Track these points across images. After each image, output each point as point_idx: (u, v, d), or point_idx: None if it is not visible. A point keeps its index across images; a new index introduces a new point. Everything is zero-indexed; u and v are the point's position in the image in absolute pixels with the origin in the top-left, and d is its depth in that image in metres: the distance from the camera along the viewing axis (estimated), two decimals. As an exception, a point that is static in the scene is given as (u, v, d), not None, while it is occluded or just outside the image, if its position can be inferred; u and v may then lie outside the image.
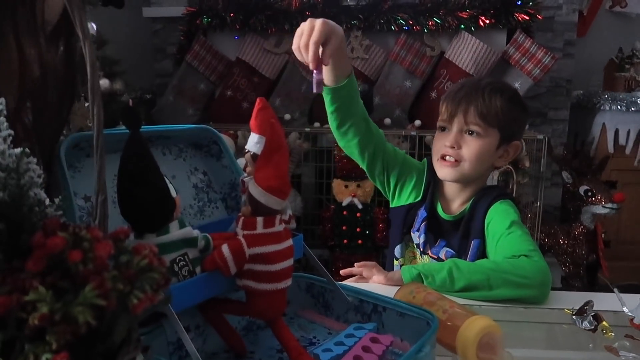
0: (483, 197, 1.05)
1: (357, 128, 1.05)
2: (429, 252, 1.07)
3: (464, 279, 0.87)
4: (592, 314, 0.73)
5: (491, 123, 1.00)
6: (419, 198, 1.10)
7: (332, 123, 1.07)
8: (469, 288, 0.86)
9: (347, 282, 0.96)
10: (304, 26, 0.89)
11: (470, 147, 1.00)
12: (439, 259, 1.05)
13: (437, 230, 1.07)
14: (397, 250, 1.12)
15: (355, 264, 1.00)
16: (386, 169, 1.13)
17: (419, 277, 0.89)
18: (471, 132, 1.01)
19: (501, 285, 0.85)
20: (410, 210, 1.11)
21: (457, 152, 1.00)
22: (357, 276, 0.99)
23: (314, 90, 0.89)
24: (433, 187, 1.10)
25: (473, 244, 1.04)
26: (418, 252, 1.10)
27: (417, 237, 1.09)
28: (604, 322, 0.72)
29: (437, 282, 0.88)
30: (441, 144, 1.03)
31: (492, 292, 0.85)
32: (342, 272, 1.00)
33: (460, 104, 1.00)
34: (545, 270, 0.87)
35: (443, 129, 1.04)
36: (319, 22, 0.87)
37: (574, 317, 0.75)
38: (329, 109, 1.05)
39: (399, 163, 1.12)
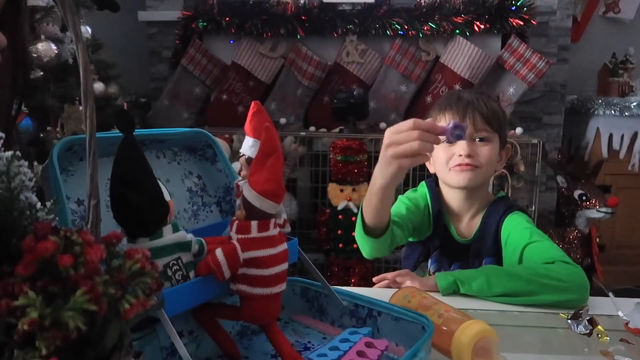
0: (491, 214, 1.04)
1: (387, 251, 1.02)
2: None
3: (501, 285, 0.85)
4: (588, 318, 0.73)
5: (495, 128, 1.01)
6: (431, 231, 1.09)
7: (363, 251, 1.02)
8: (508, 294, 0.85)
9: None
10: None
11: (483, 153, 1.00)
12: None
13: (451, 255, 1.06)
14: None
15: (388, 274, 0.97)
16: (404, 235, 1.08)
17: (455, 283, 0.88)
18: (481, 139, 1.00)
19: (542, 290, 0.84)
20: (426, 243, 1.10)
21: (472, 160, 0.99)
22: (388, 282, 0.96)
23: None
24: (439, 212, 1.08)
25: (485, 262, 1.04)
26: (427, 275, 1.09)
27: (430, 264, 1.08)
28: (599, 327, 0.72)
29: (474, 288, 0.87)
30: (449, 155, 1.00)
31: (534, 297, 0.84)
32: (375, 279, 0.98)
33: (466, 111, 0.99)
34: (581, 273, 0.87)
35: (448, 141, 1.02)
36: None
37: (569, 321, 0.75)
38: (363, 246, 0.98)
39: (409, 224, 1.06)
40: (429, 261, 1.09)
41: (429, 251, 1.10)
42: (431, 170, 1.11)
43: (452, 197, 1.07)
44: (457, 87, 2.18)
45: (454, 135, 0.74)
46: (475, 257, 1.05)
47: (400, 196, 1.12)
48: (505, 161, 1.09)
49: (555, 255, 0.91)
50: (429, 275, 1.08)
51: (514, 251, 0.96)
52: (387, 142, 0.78)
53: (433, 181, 1.12)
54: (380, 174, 0.82)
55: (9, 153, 0.34)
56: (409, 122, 0.75)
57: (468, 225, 1.08)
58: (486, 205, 1.07)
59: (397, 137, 0.76)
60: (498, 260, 1.03)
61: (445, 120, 1.01)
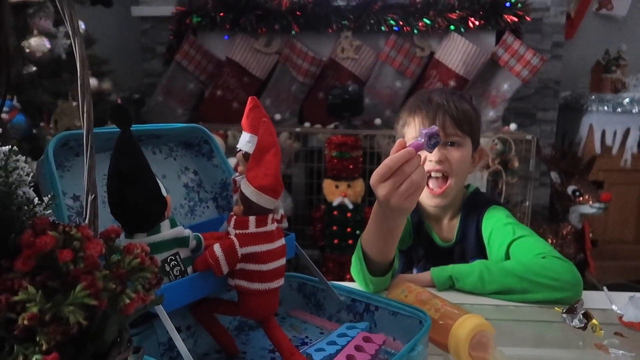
0: (469, 214, 1.03)
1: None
2: None
3: (495, 282, 0.85)
4: (582, 312, 0.74)
5: (466, 131, 0.98)
6: (412, 241, 1.07)
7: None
8: (502, 291, 0.85)
9: None
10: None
11: (455, 159, 0.97)
12: None
13: (436, 260, 1.02)
14: None
15: None
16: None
17: (450, 279, 0.87)
18: (452, 143, 0.98)
19: (536, 289, 0.83)
20: (408, 253, 1.08)
21: (443, 166, 0.96)
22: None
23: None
24: (419, 222, 1.06)
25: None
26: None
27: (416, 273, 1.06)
28: (594, 320, 0.73)
29: (467, 285, 0.86)
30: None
31: (528, 295, 0.84)
32: None
33: (437, 114, 0.96)
34: (574, 270, 0.86)
35: None
36: None
37: (564, 315, 0.76)
38: (363, 283, 0.87)
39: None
40: (414, 270, 1.07)
41: (411, 260, 1.08)
42: None
43: (429, 204, 1.04)
44: (452, 83, 2.19)
45: (431, 145, 0.70)
46: (460, 259, 1.03)
47: None
48: (478, 163, 1.06)
49: (545, 250, 0.89)
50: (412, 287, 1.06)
51: (498, 249, 0.95)
52: (382, 193, 0.71)
53: None
54: (385, 225, 0.76)
55: (7, 148, 0.34)
56: (387, 165, 0.70)
57: (448, 227, 1.06)
58: (461, 203, 1.05)
59: (389, 184, 0.70)
60: (483, 259, 1.01)
61: (415, 124, 0.98)
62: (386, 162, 0.70)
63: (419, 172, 0.70)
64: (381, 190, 0.72)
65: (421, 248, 1.07)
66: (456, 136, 0.97)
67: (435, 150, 0.93)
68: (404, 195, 0.70)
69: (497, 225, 0.97)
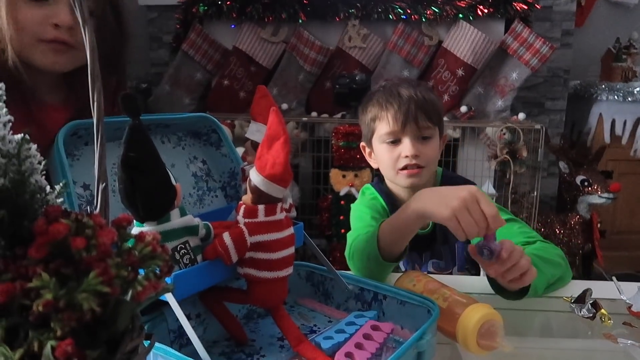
0: None
1: None
2: (419, 270, 1.06)
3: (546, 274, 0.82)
4: (591, 302, 0.74)
5: (435, 122, 0.99)
6: None
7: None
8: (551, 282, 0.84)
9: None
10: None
11: (428, 152, 0.98)
12: (428, 273, 1.04)
13: (419, 247, 1.04)
14: None
15: None
16: None
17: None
18: (425, 137, 0.98)
19: (564, 272, 0.84)
20: None
21: (418, 160, 0.97)
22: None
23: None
24: (394, 210, 1.03)
25: (457, 247, 1.03)
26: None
27: (402, 265, 1.07)
28: (603, 310, 0.73)
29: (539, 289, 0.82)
30: (395, 156, 0.98)
31: (558, 283, 0.84)
32: None
33: (408, 111, 0.96)
34: (562, 252, 0.88)
35: (393, 141, 0.98)
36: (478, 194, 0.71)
37: (572, 305, 0.76)
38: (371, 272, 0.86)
39: None
40: (401, 262, 1.06)
41: None
42: (374, 166, 1.08)
43: (402, 192, 1.04)
44: (460, 72, 2.17)
45: (486, 256, 0.70)
46: (444, 243, 1.04)
47: (355, 206, 1.09)
48: (443, 146, 1.06)
49: (532, 234, 0.90)
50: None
51: None
52: (463, 195, 0.69)
53: (379, 181, 1.09)
54: (430, 206, 0.73)
55: (19, 136, 0.34)
56: (493, 209, 0.68)
57: None
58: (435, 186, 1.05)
59: (475, 208, 0.68)
60: (467, 242, 1.02)
61: (387, 119, 0.97)
62: (494, 209, 0.69)
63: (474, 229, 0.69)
64: (468, 196, 0.70)
65: None
66: (428, 129, 0.98)
67: (410, 146, 0.96)
68: (460, 213, 0.69)
69: None
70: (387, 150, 0.99)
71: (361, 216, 1.04)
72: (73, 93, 0.99)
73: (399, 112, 0.96)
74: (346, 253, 0.95)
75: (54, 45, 0.90)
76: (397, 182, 1.02)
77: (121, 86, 1.07)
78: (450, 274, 1.06)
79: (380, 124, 0.99)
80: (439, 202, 0.72)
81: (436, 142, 1.01)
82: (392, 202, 1.06)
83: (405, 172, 0.98)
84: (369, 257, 0.84)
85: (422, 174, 0.99)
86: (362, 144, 1.10)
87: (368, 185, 1.12)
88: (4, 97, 0.35)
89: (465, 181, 1.08)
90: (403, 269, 1.07)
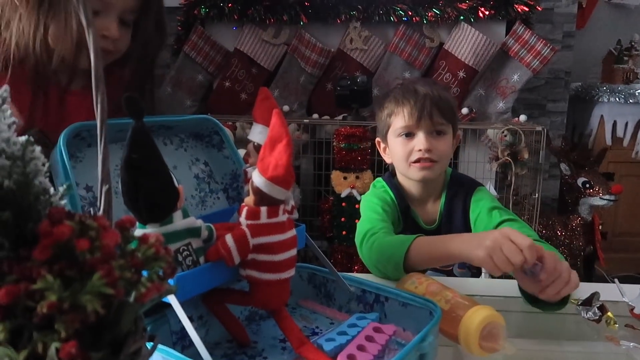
0: (454, 196, 1.06)
1: None
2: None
3: None
4: (598, 305, 0.74)
5: (450, 119, 1.02)
6: (402, 227, 1.09)
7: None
8: None
9: None
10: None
11: (441, 147, 1.01)
12: (431, 268, 1.05)
13: None
14: None
15: None
16: None
17: None
18: (438, 132, 1.01)
19: None
20: None
21: (431, 154, 1.00)
22: None
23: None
24: (407, 208, 1.08)
25: None
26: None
27: None
28: (609, 313, 0.73)
29: None
30: (409, 150, 1.01)
31: None
32: None
33: (424, 106, 0.99)
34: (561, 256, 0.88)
35: (407, 134, 1.02)
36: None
37: (579, 307, 0.76)
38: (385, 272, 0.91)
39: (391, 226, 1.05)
40: None
41: None
42: (387, 161, 1.11)
43: (413, 186, 1.08)
44: (461, 73, 2.17)
45: (530, 273, 0.73)
46: None
47: (366, 197, 1.11)
48: (456, 146, 1.10)
49: (533, 235, 0.91)
50: None
51: (485, 229, 0.97)
52: (500, 237, 0.72)
53: (390, 175, 1.12)
54: (466, 248, 0.77)
55: (24, 138, 0.34)
56: (527, 242, 0.70)
57: (432, 209, 1.09)
58: (444, 185, 1.09)
59: (511, 247, 0.70)
60: None
61: (403, 114, 1.01)
62: (529, 243, 0.71)
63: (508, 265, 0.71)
64: (504, 239, 0.72)
65: (409, 233, 1.07)
66: (442, 125, 1.02)
67: (424, 140, 0.99)
68: (500, 261, 0.71)
69: (483, 210, 1.00)
70: (402, 143, 1.03)
71: (371, 206, 1.07)
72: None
73: (414, 108, 1.00)
74: (357, 240, 0.98)
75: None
76: (409, 176, 1.05)
77: (150, 92, 1.11)
78: (451, 270, 1.06)
79: (396, 119, 1.03)
80: (476, 245, 0.75)
81: (449, 139, 1.04)
82: (402, 197, 1.08)
83: (418, 164, 1.01)
84: (390, 261, 0.87)
85: (434, 168, 1.02)
86: (378, 139, 1.13)
87: (379, 179, 1.14)
88: (9, 99, 0.35)
89: (472, 181, 1.10)
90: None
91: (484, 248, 0.73)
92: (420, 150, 0.99)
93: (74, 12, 0.89)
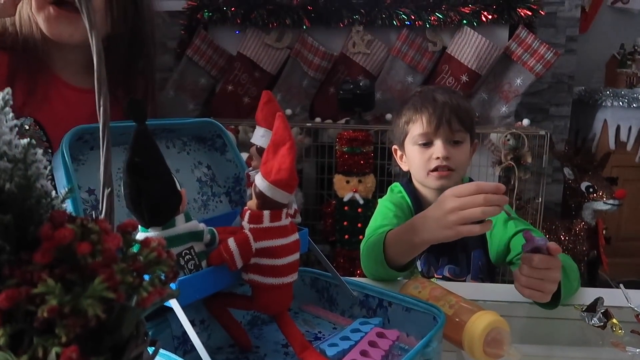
0: None
1: None
2: (435, 274, 1.07)
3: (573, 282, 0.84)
4: (602, 310, 0.73)
5: (467, 128, 1.02)
6: None
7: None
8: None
9: None
10: None
11: (459, 155, 1.01)
12: (443, 278, 1.05)
13: (437, 251, 1.05)
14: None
15: None
16: None
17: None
18: (456, 142, 1.01)
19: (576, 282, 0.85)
20: None
21: (449, 162, 1.00)
22: None
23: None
24: (420, 210, 1.06)
25: (473, 255, 1.04)
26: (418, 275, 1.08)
27: (419, 265, 1.08)
28: (614, 319, 0.72)
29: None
30: (427, 158, 1.01)
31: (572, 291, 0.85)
32: None
33: (442, 114, 0.99)
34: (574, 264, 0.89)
35: (425, 143, 1.02)
36: None
37: (583, 313, 0.75)
38: (377, 274, 0.92)
39: None
40: (418, 262, 1.07)
41: None
42: (404, 169, 1.11)
43: (430, 194, 1.07)
44: (464, 77, 2.17)
45: (529, 249, 0.72)
46: (463, 251, 1.05)
47: (382, 201, 1.11)
48: (473, 154, 1.10)
49: None
50: (419, 275, 1.06)
51: (499, 242, 0.98)
52: (449, 206, 0.73)
53: (409, 181, 1.11)
54: (431, 235, 0.77)
55: (25, 141, 0.34)
56: (472, 186, 0.72)
57: None
58: None
59: (460, 201, 0.72)
60: (485, 252, 1.04)
61: (421, 122, 1.00)
62: (473, 184, 0.72)
63: (490, 209, 0.70)
64: (450, 202, 0.73)
65: None
66: (461, 132, 1.01)
67: (442, 148, 0.99)
68: (463, 219, 0.72)
69: (499, 221, 0.99)
70: (419, 151, 1.02)
71: (384, 212, 1.07)
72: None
73: (433, 115, 0.99)
74: (361, 246, 0.98)
75: (58, 13, 0.90)
76: (426, 184, 1.04)
77: (150, 90, 1.09)
78: (464, 281, 1.05)
79: (414, 126, 1.03)
80: (436, 228, 0.75)
81: (467, 147, 1.04)
82: (419, 203, 1.08)
83: (435, 173, 1.01)
84: (377, 261, 0.87)
85: (452, 176, 1.01)
86: (394, 147, 1.13)
87: (397, 184, 1.14)
88: (11, 102, 0.35)
89: None
90: (420, 269, 1.07)
91: (448, 228, 0.73)
92: (438, 158, 0.99)
93: None
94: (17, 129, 0.35)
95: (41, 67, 0.97)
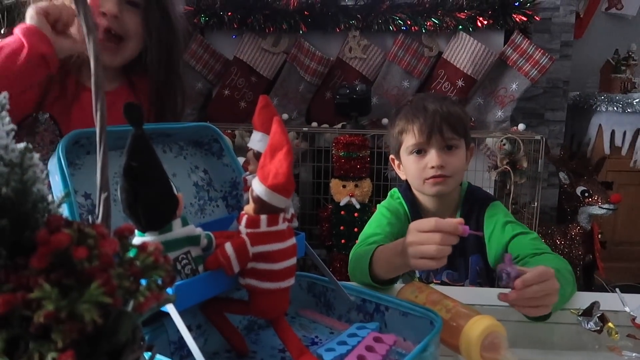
0: (470, 210, 1.06)
1: None
2: (433, 279, 1.07)
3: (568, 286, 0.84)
4: (598, 315, 0.73)
5: (461, 133, 1.02)
6: None
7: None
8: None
9: None
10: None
11: (453, 162, 1.01)
12: (442, 283, 1.05)
13: None
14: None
15: None
16: None
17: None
18: (450, 147, 1.02)
19: (572, 286, 0.85)
20: None
21: (443, 170, 1.00)
22: None
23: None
24: (416, 217, 1.07)
25: (471, 260, 1.05)
26: (416, 280, 1.08)
27: (418, 270, 1.07)
28: (610, 324, 0.72)
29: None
30: (422, 167, 1.01)
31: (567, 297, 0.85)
32: None
33: (434, 122, 0.99)
34: (570, 267, 0.88)
35: (419, 151, 1.02)
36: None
37: (579, 317, 0.75)
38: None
39: (392, 238, 1.02)
40: (416, 270, 1.07)
41: None
42: (402, 177, 1.11)
43: (428, 201, 1.08)
44: (460, 82, 2.18)
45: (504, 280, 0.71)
46: (461, 256, 1.06)
47: (380, 207, 1.12)
48: (470, 159, 1.10)
49: (542, 247, 0.92)
50: (417, 280, 1.06)
51: (497, 247, 0.98)
52: (409, 240, 0.75)
53: (407, 188, 1.12)
54: (402, 260, 0.78)
55: (22, 145, 0.34)
56: (431, 222, 0.73)
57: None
58: (459, 200, 1.09)
59: (419, 237, 0.73)
60: (483, 256, 1.04)
61: (413, 132, 1.01)
62: (432, 220, 0.73)
63: (444, 249, 0.71)
64: (410, 235, 0.75)
65: None
66: (453, 140, 1.01)
67: (436, 157, 0.99)
68: (418, 254, 0.73)
69: (497, 225, 1.00)
70: (414, 161, 1.03)
71: (378, 219, 1.07)
72: (127, 81, 1.08)
73: (424, 125, 1.00)
74: (351, 252, 0.99)
75: (103, 44, 0.98)
76: (424, 192, 1.05)
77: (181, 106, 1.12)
78: (463, 286, 1.05)
79: (407, 136, 1.03)
80: (406, 255, 0.75)
81: (462, 152, 1.04)
82: (416, 210, 1.09)
83: (431, 180, 1.01)
84: (362, 273, 0.88)
85: (448, 182, 1.02)
86: (391, 156, 1.14)
87: (396, 190, 1.14)
88: (7, 106, 0.35)
89: (486, 197, 1.10)
90: (418, 275, 1.07)
91: (409, 257, 0.74)
92: (432, 167, 1.00)
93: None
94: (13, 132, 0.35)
95: (71, 76, 1.03)
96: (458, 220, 0.72)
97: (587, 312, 0.74)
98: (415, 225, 0.75)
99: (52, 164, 0.59)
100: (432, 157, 1.00)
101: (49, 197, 0.37)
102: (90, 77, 0.97)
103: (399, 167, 1.11)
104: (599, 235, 2.27)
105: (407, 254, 0.75)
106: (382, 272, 0.85)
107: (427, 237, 0.72)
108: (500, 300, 0.69)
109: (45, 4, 0.89)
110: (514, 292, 0.68)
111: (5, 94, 0.35)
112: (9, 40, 0.87)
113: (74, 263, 0.31)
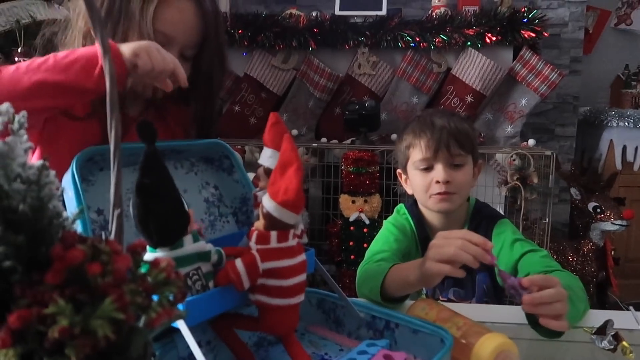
0: (477, 227, 1.05)
1: None
2: (440, 297, 1.06)
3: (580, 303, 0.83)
4: (612, 333, 0.72)
5: (468, 149, 1.02)
6: (420, 255, 1.06)
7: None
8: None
9: None
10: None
11: (460, 178, 1.01)
12: (448, 301, 1.04)
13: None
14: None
15: None
16: None
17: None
18: (456, 165, 1.01)
19: (584, 304, 0.84)
20: None
21: (449, 187, 1.00)
22: None
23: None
24: (426, 239, 1.07)
25: (478, 278, 1.04)
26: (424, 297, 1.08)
27: (425, 288, 1.07)
28: (624, 342, 0.71)
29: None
30: (428, 182, 1.01)
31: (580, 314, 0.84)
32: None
33: (441, 137, 0.99)
34: (581, 284, 0.87)
35: (426, 168, 1.02)
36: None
37: (593, 336, 0.74)
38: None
39: (399, 255, 1.03)
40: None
41: None
42: (409, 192, 1.11)
43: (434, 217, 1.07)
44: (469, 98, 2.18)
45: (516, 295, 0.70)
46: (467, 274, 1.03)
47: (386, 223, 1.11)
48: (478, 175, 1.10)
49: (551, 264, 0.91)
50: (425, 297, 1.05)
51: (506, 265, 0.96)
52: (432, 243, 0.75)
53: (413, 204, 1.12)
54: (418, 273, 0.77)
55: (39, 162, 0.35)
56: (462, 231, 0.73)
57: None
58: (466, 217, 1.08)
59: (442, 240, 0.73)
60: (490, 274, 1.03)
61: (421, 147, 1.01)
62: (463, 231, 0.74)
63: (462, 254, 0.71)
64: (435, 240, 0.75)
65: None
66: (460, 156, 1.01)
67: (443, 172, 0.99)
68: (437, 257, 0.73)
69: (506, 243, 0.99)
70: (421, 176, 1.03)
71: (385, 235, 1.07)
72: (152, 106, 1.02)
73: (431, 140, 1.00)
74: (359, 269, 0.97)
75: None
76: (429, 207, 1.05)
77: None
78: (470, 303, 1.04)
79: (414, 151, 1.03)
80: (422, 261, 0.75)
81: (469, 169, 1.03)
82: (422, 227, 1.08)
83: (436, 196, 1.01)
84: (371, 291, 0.86)
85: (453, 199, 1.01)
86: (399, 170, 1.14)
87: (402, 205, 1.14)
88: (26, 125, 0.35)
89: (494, 214, 1.09)
90: (424, 292, 1.06)
91: (425, 259, 0.74)
92: (438, 182, 0.99)
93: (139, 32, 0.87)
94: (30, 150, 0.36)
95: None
96: (490, 244, 0.71)
97: (601, 331, 0.73)
98: (444, 232, 0.75)
99: (66, 180, 0.60)
100: (439, 172, 1.00)
101: (64, 214, 0.37)
102: (132, 106, 0.98)
103: (406, 181, 1.11)
104: (612, 252, 2.24)
105: (427, 257, 0.74)
106: (395, 287, 0.84)
107: (449, 241, 0.72)
108: (524, 311, 0.69)
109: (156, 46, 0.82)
110: (526, 296, 0.67)
111: (23, 113, 0.36)
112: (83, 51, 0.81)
113: (88, 278, 0.32)
